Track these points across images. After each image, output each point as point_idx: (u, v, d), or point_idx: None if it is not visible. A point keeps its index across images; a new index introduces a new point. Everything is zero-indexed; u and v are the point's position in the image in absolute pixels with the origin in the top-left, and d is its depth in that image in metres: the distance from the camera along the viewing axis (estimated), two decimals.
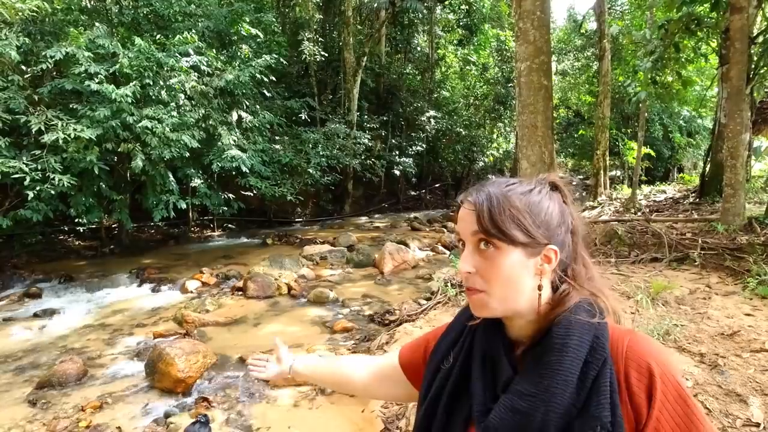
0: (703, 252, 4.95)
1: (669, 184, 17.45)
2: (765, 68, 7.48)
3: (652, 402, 0.61)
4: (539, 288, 0.68)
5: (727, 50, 6.26)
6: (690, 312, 3.62)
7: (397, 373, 0.94)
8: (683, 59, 8.19)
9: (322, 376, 1.12)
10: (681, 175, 20.36)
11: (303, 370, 1.12)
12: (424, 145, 17.10)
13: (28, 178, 5.94)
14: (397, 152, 16.09)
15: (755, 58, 7.13)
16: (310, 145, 11.52)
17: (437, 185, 20.67)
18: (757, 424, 2.25)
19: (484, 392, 0.70)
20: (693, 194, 10.77)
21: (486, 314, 0.70)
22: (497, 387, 0.70)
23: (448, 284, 5.10)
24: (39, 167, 6.14)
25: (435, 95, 18.35)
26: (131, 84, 6.77)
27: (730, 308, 3.61)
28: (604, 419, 0.61)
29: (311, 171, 11.11)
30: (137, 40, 7.08)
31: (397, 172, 15.94)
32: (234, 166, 8.27)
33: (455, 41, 20.34)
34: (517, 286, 0.68)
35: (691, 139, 19.70)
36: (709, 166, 9.70)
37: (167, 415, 3.26)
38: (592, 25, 18.37)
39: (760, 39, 7.19)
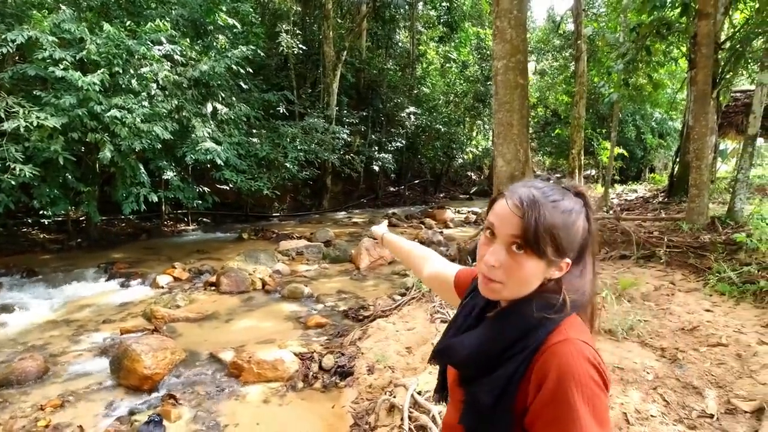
0: (668, 250, 5.12)
1: (640, 184, 17.99)
2: (731, 73, 7.77)
3: (537, 397, 0.70)
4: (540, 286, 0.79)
5: (696, 55, 6.46)
6: (654, 308, 3.74)
7: (450, 287, 1.14)
8: (654, 62, 8.42)
9: (399, 254, 1.41)
10: (652, 175, 21.01)
11: (389, 242, 1.45)
12: (403, 141, 17.10)
13: None
14: (377, 148, 16.04)
15: (722, 63, 7.40)
16: (288, 139, 11.36)
17: (416, 181, 20.73)
18: (711, 416, 2.34)
19: (452, 331, 0.90)
20: (662, 194, 11.13)
21: (494, 298, 0.82)
22: (459, 330, 0.87)
23: None
24: None
25: (415, 91, 18.36)
26: (99, 72, 6.52)
27: (692, 304, 3.74)
28: (485, 399, 0.74)
29: (288, 165, 10.96)
30: (106, 26, 6.81)
31: (377, 168, 15.90)
32: (208, 158, 8.07)
33: (436, 38, 20.38)
34: (529, 285, 0.78)
35: (663, 140, 20.32)
36: (677, 166, 10.03)
37: (132, 413, 3.17)
38: (570, 26, 18.69)
39: (728, 45, 7.45)
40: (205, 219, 11.94)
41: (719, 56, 7.21)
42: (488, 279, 0.78)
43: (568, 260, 0.77)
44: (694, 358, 2.86)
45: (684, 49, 9.02)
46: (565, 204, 0.76)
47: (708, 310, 3.60)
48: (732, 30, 7.96)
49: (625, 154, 17.22)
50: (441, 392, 0.96)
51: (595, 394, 0.68)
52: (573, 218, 0.76)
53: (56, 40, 6.38)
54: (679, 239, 5.41)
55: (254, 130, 11.06)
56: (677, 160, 10.14)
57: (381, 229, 1.55)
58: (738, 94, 10.83)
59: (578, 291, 0.79)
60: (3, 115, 5.84)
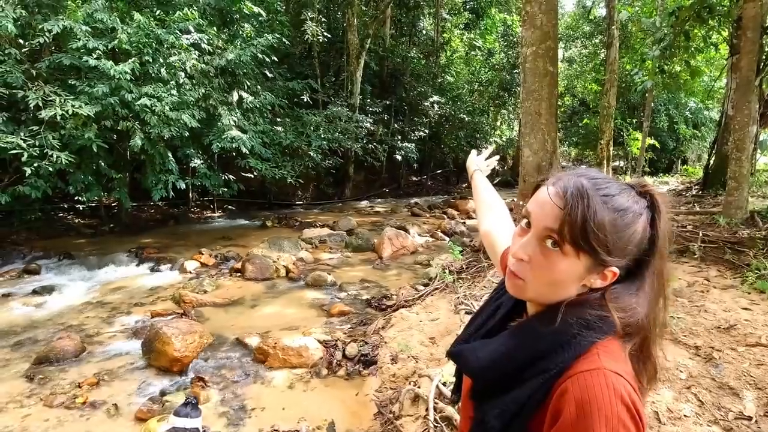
0: (703, 245, 4.92)
1: (672, 176, 17.36)
2: None
3: (551, 430, 0.61)
4: (577, 294, 0.69)
5: (739, 39, 6.12)
6: (687, 305, 3.60)
7: (498, 259, 1.04)
8: (693, 48, 8.04)
9: (474, 197, 1.32)
10: (684, 167, 20.24)
11: (474, 182, 1.33)
12: (426, 131, 16.93)
13: (25, 154, 5.88)
14: (400, 137, 15.94)
15: (767, 49, 6.99)
16: (312, 128, 11.40)
17: (439, 171, 20.54)
18: (749, 418, 2.25)
19: (471, 328, 0.84)
20: (696, 186, 10.71)
21: (517, 295, 0.74)
22: (478, 333, 0.81)
23: (446, 271, 5.09)
24: (37, 143, 6.06)
25: (439, 80, 18.09)
26: (130, 60, 6.66)
27: (728, 302, 3.59)
28: (493, 423, 0.66)
29: (312, 154, 11.02)
30: (136, 16, 6.94)
31: (399, 157, 15.82)
32: (234, 146, 8.18)
33: (461, 25, 19.97)
34: (559, 290, 0.68)
35: (697, 130, 19.50)
36: (713, 158, 9.62)
37: (163, 394, 3.28)
38: (601, 10, 18.01)
39: None
40: (230, 206, 12.16)
41: (765, 41, 6.82)
42: (513, 275, 0.70)
43: (615, 269, 0.66)
44: (731, 358, 2.75)
45: (725, 33, 8.56)
46: (619, 201, 0.65)
47: (746, 309, 3.45)
48: None
49: (657, 144, 16.64)
50: (457, 393, 0.89)
51: None
52: (627, 220, 0.65)
53: (89, 29, 6.54)
54: (714, 234, 5.20)
55: (278, 119, 11.14)
56: (713, 151, 9.72)
57: (476, 163, 1.36)
58: None
59: (628, 311, 0.66)
60: (41, 104, 6.04)
